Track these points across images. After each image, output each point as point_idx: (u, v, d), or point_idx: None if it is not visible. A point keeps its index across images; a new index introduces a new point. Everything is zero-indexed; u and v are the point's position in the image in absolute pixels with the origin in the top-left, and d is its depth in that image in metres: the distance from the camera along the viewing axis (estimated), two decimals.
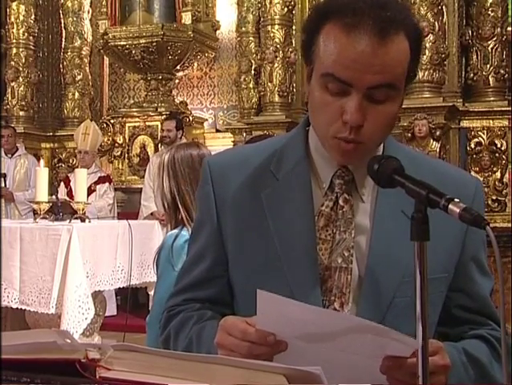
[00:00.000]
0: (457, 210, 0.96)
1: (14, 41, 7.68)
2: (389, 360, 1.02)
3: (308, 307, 1.01)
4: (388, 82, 1.13)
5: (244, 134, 6.75)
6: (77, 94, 7.90)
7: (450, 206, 0.97)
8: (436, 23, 5.39)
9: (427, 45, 5.35)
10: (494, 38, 5.49)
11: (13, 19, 7.70)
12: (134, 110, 7.59)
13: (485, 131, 5.46)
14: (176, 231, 2.41)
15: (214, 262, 1.30)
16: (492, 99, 5.50)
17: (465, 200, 1.03)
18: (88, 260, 3.97)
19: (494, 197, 5.39)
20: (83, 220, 4.36)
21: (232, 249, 1.29)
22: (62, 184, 6.69)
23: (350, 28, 1.12)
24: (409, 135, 5.31)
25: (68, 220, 4.26)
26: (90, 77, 8.09)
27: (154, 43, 7.30)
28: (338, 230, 1.23)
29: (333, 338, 1.01)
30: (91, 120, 7.09)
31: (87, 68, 8.05)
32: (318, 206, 1.24)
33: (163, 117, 7.01)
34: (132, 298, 4.97)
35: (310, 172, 1.27)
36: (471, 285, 1.28)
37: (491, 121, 5.46)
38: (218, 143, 6.90)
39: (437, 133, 5.29)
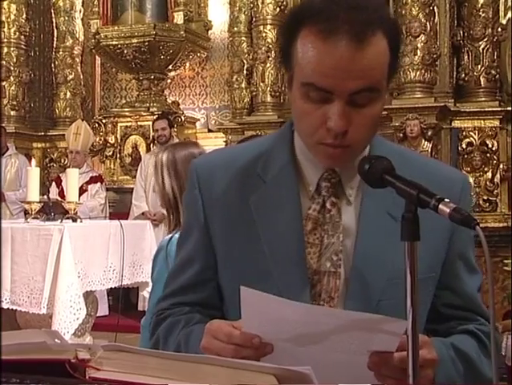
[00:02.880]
0: (447, 210, 0.96)
1: (5, 40, 7.63)
2: (376, 356, 1.03)
3: (291, 303, 1.01)
4: (370, 85, 1.12)
5: (230, 137, 6.75)
6: (69, 93, 7.88)
7: (440, 206, 0.97)
8: (427, 24, 5.40)
9: (418, 45, 5.36)
10: (485, 39, 5.51)
11: (4, 18, 7.66)
12: (126, 110, 7.57)
13: (476, 132, 5.48)
14: (172, 234, 2.40)
15: (203, 266, 1.30)
16: (483, 99, 5.52)
17: (453, 196, 1.03)
18: (80, 260, 3.95)
19: (485, 197, 5.41)
20: (74, 220, 4.35)
21: (220, 253, 1.28)
22: (53, 183, 6.67)
23: (326, 34, 1.10)
24: (401, 135, 5.32)
25: (60, 220, 4.25)
26: (82, 77, 8.06)
27: (146, 43, 7.28)
28: (326, 234, 1.23)
29: (319, 335, 1.02)
30: (83, 120, 7.07)
31: (79, 68, 8.03)
32: (305, 209, 1.24)
33: (155, 117, 7.00)
34: (123, 298, 4.96)
35: (296, 175, 1.27)
36: (458, 283, 1.28)
37: (482, 121, 5.48)
38: (210, 143, 6.89)
39: (429, 133, 5.30)
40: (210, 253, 1.29)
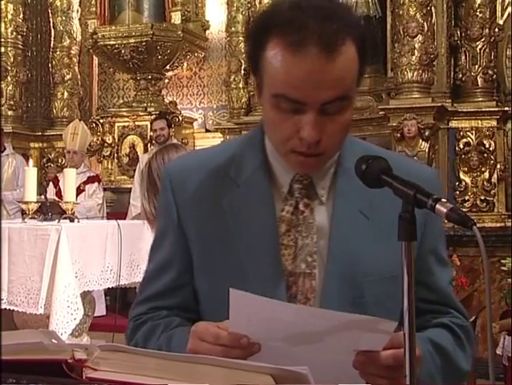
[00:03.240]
0: (444, 210, 0.97)
1: (3, 40, 7.62)
2: (362, 355, 1.03)
3: (281, 304, 1.01)
4: (342, 94, 1.12)
5: (227, 137, 6.74)
6: (66, 93, 7.87)
7: (437, 206, 0.97)
8: (425, 24, 5.40)
9: (416, 45, 5.37)
10: (483, 39, 5.51)
11: (1, 18, 7.66)
12: (123, 110, 7.57)
13: (473, 132, 5.48)
14: None
15: (180, 271, 1.29)
16: (480, 99, 5.52)
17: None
18: (77, 260, 3.95)
19: (483, 197, 5.41)
20: (72, 220, 4.34)
21: (196, 256, 1.28)
22: (50, 183, 6.66)
23: (295, 47, 1.09)
24: (398, 135, 5.32)
25: (57, 220, 4.24)
26: (79, 76, 8.06)
27: (143, 43, 7.28)
28: (300, 235, 1.23)
29: (307, 336, 1.02)
30: (80, 120, 7.06)
31: (77, 68, 8.02)
32: (279, 211, 1.24)
33: (152, 117, 7.00)
34: (121, 299, 4.95)
35: (269, 178, 1.27)
36: (431, 277, 1.29)
37: (480, 121, 5.49)
38: (208, 143, 6.89)
39: (426, 133, 5.30)
40: (187, 257, 1.28)
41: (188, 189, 1.29)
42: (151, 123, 6.74)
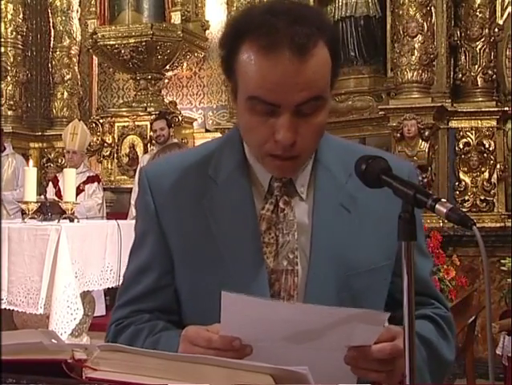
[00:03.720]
0: (444, 210, 0.97)
1: (2, 40, 7.62)
2: (354, 351, 1.04)
3: (273, 303, 1.02)
4: (315, 95, 1.13)
5: None
6: (66, 93, 7.87)
7: (437, 206, 0.98)
8: (424, 24, 5.40)
9: (416, 45, 5.37)
10: (482, 39, 5.51)
11: (1, 18, 7.66)
12: (123, 110, 7.57)
13: (473, 132, 5.49)
14: None
15: (161, 272, 1.29)
16: (480, 99, 5.52)
17: None
18: (77, 260, 3.95)
19: (482, 197, 5.41)
20: (71, 220, 4.34)
21: (177, 257, 1.28)
22: (50, 183, 6.65)
23: (267, 50, 1.10)
24: (398, 135, 5.32)
25: (57, 220, 4.24)
26: (79, 76, 8.06)
27: (143, 43, 7.28)
28: (281, 233, 1.23)
29: (301, 334, 1.02)
30: (80, 120, 7.06)
31: (76, 68, 8.02)
32: (259, 210, 1.25)
33: (152, 117, 7.00)
34: None
35: (248, 176, 1.27)
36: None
37: (479, 121, 5.49)
38: None
39: (426, 133, 5.30)
40: (167, 258, 1.28)
41: (167, 190, 1.28)
42: (151, 124, 6.74)
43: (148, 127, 7.10)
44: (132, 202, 6.33)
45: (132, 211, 6.29)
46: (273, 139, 1.14)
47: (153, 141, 6.76)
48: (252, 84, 1.13)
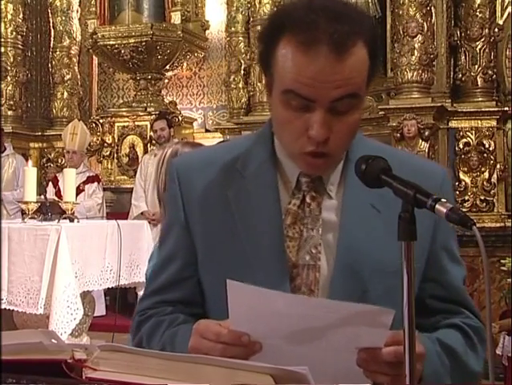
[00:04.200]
0: (444, 210, 0.97)
1: (2, 40, 7.62)
2: (364, 352, 1.03)
3: (279, 294, 1.01)
4: (351, 93, 1.13)
5: (227, 137, 6.73)
6: (66, 93, 7.87)
7: (437, 206, 0.98)
8: (424, 24, 5.40)
9: (416, 45, 5.37)
10: (482, 39, 5.51)
11: (1, 18, 7.66)
12: (123, 110, 7.57)
13: (473, 132, 5.48)
14: None
15: (185, 263, 1.30)
16: (480, 99, 5.52)
17: (433, 189, 1.04)
18: (77, 260, 3.95)
19: (482, 197, 5.41)
20: (71, 220, 4.34)
21: (201, 249, 1.29)
22: (50, 183, 6.65)
23: (306, 45, 1.10)
24: (398, 135, 5.32)
25: (57, 220, 4.24)
26: (79, 76, 8.06)
27: (143, 43, 7.28)
28: (305, 227, 1.23)
29: (307, 331, 1.02)
30: (80, 120, 7.06)
31: (76, 68, 8.02)
32: (286, 204, 1.25)
33: (152, 117, 6.99)
34: (120, 298, 4.95)
35: (276, 171, 1.28)
36: (443, 274, 1.28)
37: (479, 121, 5.49)
38: (208, 143, 6.88)
39: (426, 133, 5.30)
40: (191, 250, 1.29)
41: (195, 184, 1.30)
42: (151, 124, 6.73)
43: (148, 127, 7.10)
44: (133, 202, 6.33)
45: (133, 211, 6.29)
46: (306, 134, 1.15)
47: (153, 141, 6.75)
48: (288, 78, 1.13)
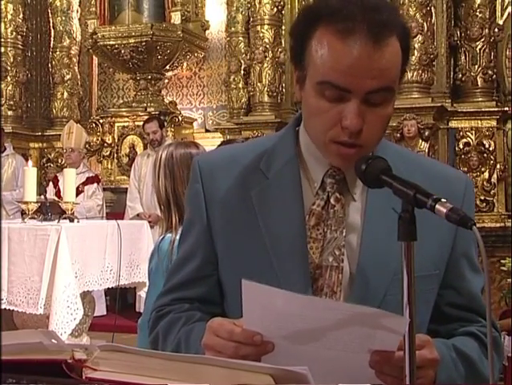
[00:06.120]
0: (444, 210, 0.96)
1: (2, 40, 7.62)
2: (377, 355, 1.02)
3: (293, 295, 1.01)
4: (386, 85, 1.14)
5: (227, 137, 6.72)
6: (66, 93, 7.87)
7: (437, 206, 0.97)
8: (424, 24, 5.41)
9: (416, 45, 5.37)
10: (482, 39, 5.52)
11: (1, 18, 7.66)
12: (123, 110, 7.57)
13: (473, 132, 5.49)
14: (164, 235, 2.39)
15: (204, 261, 1.30)
16: (480, 99, 5.53)
17: (456, 197, 1.03)
18: (77, 260, 3.95)
19: (482, 197, 5.41)
20: (71, 221, 4.34)
21: (221, 248, 1.28)
22: (50, 183, 6.66)
23: (344, 34, 1.11)
24: (398, 135, 5.32)
25: (57, 221, 4.24)
26: (79, 76, 8.06)
27: (143, 43, 7.28)
28: (329, 229, 1.23)
29: (319, 332, 1.01)
30: (80, 120, 7.07)
31: (76, 68, 8.02)
32: (309, 205, 1.24)
33: None
34: (120, 299, 4.95)
35: (300, 172, 1.27)
36: (462, 281, 1.28)
37: (479, 121, 5.49)
38: (208, 144, 6.87)
39: (426, 133, 5.31)
40: (211, 248, 1.29)
41: (217, 182, 1.29)
42: (142, 126, 6.62)
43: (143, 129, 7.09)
44: (129, 203, 6.32)
45: (129, 212, 6.28)
46: (339, 125, 1.14)
47: (148, 144, 6.70)
48: (325, 68, 1.13)
